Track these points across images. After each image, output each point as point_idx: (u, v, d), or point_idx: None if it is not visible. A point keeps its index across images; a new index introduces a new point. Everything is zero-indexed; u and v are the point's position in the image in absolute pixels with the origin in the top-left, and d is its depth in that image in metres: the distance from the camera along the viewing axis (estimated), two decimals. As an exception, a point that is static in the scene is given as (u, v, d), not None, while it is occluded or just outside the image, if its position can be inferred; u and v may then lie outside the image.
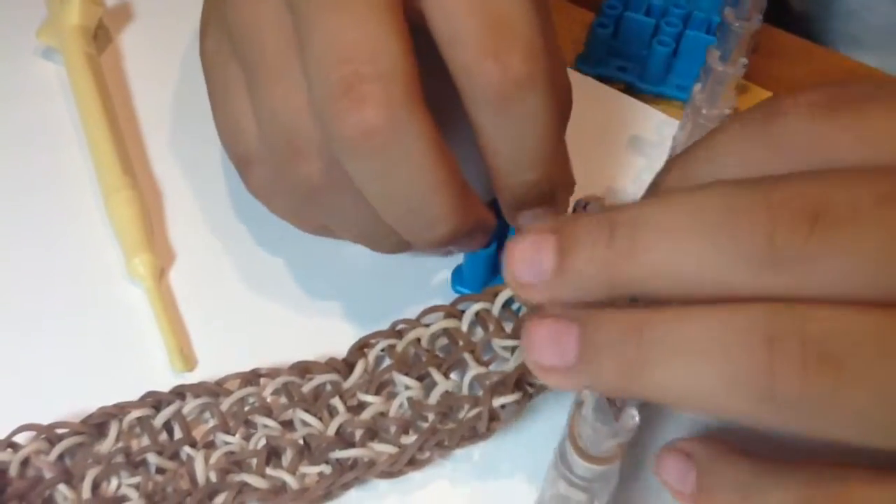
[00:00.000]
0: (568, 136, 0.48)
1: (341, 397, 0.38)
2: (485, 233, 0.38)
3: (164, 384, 0.38)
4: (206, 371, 0.40)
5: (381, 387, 0.38)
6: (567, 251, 0.29)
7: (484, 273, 0.42)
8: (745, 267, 0.27)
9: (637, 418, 0.30)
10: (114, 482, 0.36)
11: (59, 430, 0.37)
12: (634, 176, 0.48)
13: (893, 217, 0.26)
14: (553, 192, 0.37)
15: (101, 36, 0.53)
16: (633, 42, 0.53)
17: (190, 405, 0.38)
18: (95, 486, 0.36)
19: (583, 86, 0.53)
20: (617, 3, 0.53)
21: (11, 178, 0.46)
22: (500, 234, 0.41)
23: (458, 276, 0.43)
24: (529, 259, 0.29)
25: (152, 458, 0.36)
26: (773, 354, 0.26)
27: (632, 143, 0.50)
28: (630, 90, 0.53)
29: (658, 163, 0.47)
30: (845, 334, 0.26)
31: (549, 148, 0.35)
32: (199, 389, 0.38)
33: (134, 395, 0.38)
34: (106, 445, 0.37)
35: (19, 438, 0.37)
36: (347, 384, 0.38)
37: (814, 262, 0.26)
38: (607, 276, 0.28)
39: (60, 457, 0.36)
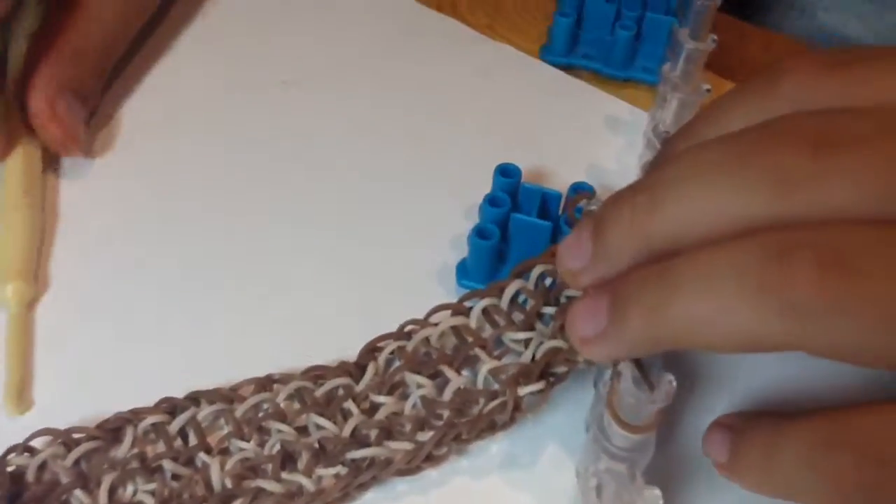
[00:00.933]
0: (541, 126, 0.49)
1: (354, 400, 0.37)
2: None
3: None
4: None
5: (394, 388, 0.38)
6: (601, 229, 0.31)
7: (488, 265, 0.42)
8: (756, 194, 0.28)
9: (674, 382, 0.31)
10: (130, 488, 0.35)
11: (76, 435, 0.36)
12: (615, 155, 0.49)
13: (892, 146, 0.27)
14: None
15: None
16: (596, 29, 0.53)
17: (204, 411, 0.37)
18: (112, 492, 0.35)
19: (549, 78, 0.54)
20: (576, -9, 0.54)
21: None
22: (502, 227, 0.41)
23: (462, 270, 0.43)
24: (573, 249, 0.31)
25: (168, 465, 0.36)
26: (790, 264, 0.26)
27: (606, 126, 0.51)
28: (597, 77, 0.54)
29: (636, 141, 0.48)
30: (858, 242, 0.26)
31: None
32: (213, 396, 0.37)
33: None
34: (121, 451, 0.36)
35: (36, 443, 0.36)
36: (360, 387, 0.38)
37: (821, 181, 0.27)
38: (637, 237, 0.30)
39: (77, 462, 0.36)
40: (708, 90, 0.44)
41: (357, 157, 0.49)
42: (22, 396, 0.38)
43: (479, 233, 0.41)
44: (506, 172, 0.43)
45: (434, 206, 0.46)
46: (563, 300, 0.38)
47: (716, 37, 0.45)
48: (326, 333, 0.41)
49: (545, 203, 0.42)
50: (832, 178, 0.27)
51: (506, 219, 0.41)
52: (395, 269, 0.44)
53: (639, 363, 0.31)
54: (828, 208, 0.27)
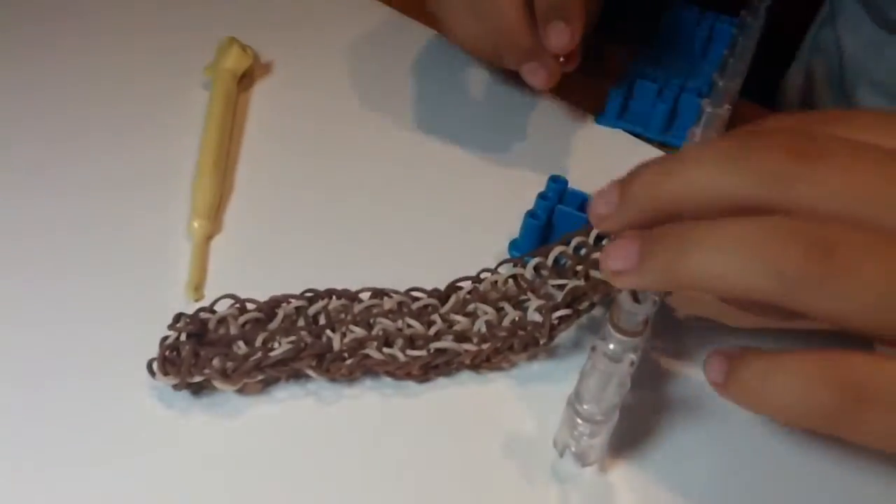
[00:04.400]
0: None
1: (439, 316, 0.52)
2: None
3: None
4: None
5: (467, 314, 0.52)
6: (627, 182, 0.40)
7: (535, 242, 0.57)
8: (745, 181, 0.36)
9: (656, 300, 0.42)
10: (275, 344, 0.50)
11: (248, 305, 0.51)
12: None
13: (865, 167, 0.36)
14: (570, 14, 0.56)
15: (245, 80, 0.72)
16: (642, 102, 0.70)
17: (334, 304, 0.52)
18: (263, 343, 0.50)
19: (603, 133, 0.70)
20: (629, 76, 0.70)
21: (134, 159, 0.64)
22: (549, 215, 0.57)
23: (513, 244, 0.58)
24: (604, 197, 0.41)
25: (304, 334, 0.50)
26: (787, 244, 0.34)
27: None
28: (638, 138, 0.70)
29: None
30: (843, 238, 0.34)
31: None
32: (341, 294, 0.52)
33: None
34: (274, 324, 0.51)
35: (218, 306, 0.51)
36: (443, 309, 0.52)
37: (794, 181, 0.35)
38: (650, 194, 0.39)
39: (243, 325, 0.51)
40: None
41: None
42: (196, 288, 0.55)
43: (531, 215, 0.56)
44: (555, 179, 0.58)
45: (495, 206, 0.62)
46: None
47: (730, 106, 0.59)
48: (422, 270, 0.56)
49: (583, 203, 0.57)
50: (803, 179, 0.36)
51: (552, 210, 0.56)
52: (467, 242, 0.59)
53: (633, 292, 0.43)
54: (799, 201, 0.35)
